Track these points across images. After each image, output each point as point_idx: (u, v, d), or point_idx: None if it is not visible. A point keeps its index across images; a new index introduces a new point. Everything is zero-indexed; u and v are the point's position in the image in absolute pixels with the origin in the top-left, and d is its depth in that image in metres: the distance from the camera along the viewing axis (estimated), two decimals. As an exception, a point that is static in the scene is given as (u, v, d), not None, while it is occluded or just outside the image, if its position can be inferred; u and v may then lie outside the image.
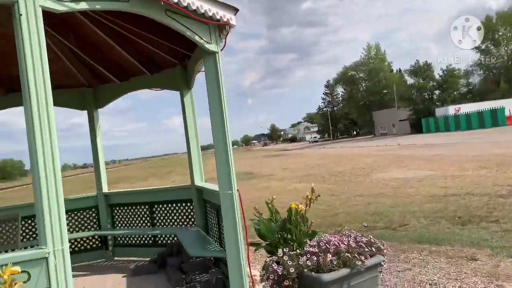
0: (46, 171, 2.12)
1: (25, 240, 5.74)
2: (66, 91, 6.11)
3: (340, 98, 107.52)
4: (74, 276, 5.34)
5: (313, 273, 3.64)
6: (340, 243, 3.91)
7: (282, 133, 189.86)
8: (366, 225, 7.02)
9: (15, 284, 1.61)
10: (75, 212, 6.12)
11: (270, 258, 3.95)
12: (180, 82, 5.36)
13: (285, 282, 3.62)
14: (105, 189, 6.25)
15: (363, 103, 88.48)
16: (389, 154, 25.27)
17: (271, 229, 4.00)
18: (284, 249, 3.85)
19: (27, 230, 5.76)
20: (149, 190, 6.25)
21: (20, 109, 2.38)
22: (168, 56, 5.21)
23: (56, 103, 6.11)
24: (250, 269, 3.84)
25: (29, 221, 5.76)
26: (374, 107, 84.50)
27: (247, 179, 20.88)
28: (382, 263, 3.95)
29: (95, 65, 5.78)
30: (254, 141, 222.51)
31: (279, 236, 4.06)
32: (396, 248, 5.68)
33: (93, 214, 6.20)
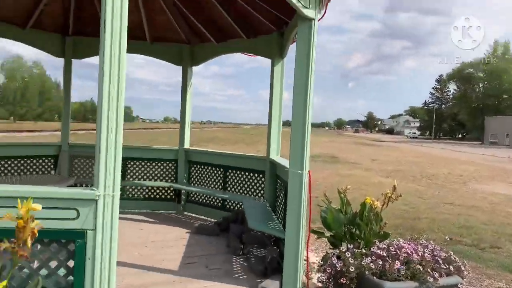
0: (108, 118, 2.08)
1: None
2: (165, 44, 6.27)
3: (451, 96, 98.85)
4: (143, 221, 5.70)
5: (375, 278, 3.29)
6: (413, 252, 3.48)
7: (379, 122, 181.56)
8: (450, 238, 6.30)
9: (33, 220, 1.58)
10: (156, 162, 6.38)
11: (333, 250, 3.66)
12: (274, 50, 5.14)
13: (342, 279, 3.33)
14: (186, 145, 6.40)
15: (476, 105, 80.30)
16: (495, 166, 22.64)
17: (339, 221, 3.69)
18: (349, 245, 3.53)
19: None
20: (226, 154, 6.25)
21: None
22: (266, 20, 5.01)
23: (154, 54, 6.38)
24: (307, 255, 3.60)
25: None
26: (488, 111, 76.22)
27: (331, 163, 20.33)
28: (459, 286, 3.44)
29: (196, 22, 5.80)
30: (347, 126, 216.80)
31: (346, 229, 3.74)
32: (481, 271, 4.99)
33: (172, 167, 6.41)
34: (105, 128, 2.07)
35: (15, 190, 2.05)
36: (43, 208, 2.02)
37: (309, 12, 3.28)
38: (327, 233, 3.86)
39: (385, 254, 3.44)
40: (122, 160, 5.99)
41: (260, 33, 5.36)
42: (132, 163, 6.35)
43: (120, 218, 5.56)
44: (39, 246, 2.05)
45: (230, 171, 5.88)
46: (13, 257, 1.54)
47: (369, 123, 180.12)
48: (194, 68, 6.47)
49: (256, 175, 5.53)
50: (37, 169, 5.92)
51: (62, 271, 2.09)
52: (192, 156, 6.37)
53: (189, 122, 6.46)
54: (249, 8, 4.93)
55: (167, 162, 6.42)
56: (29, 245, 1.58)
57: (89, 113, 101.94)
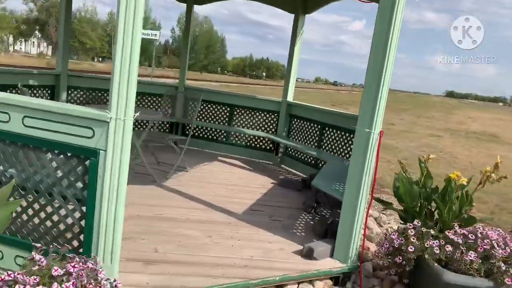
0: (123, 43, 2.09)
1: (225, 124, 6.50)
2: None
3: None
4: (238, 166, 5.89)
5: (436, 264, 2.77)
6: (498, 245, 2.80)
7: None
8: None
9: None
10: (260, 112, 6.42)
11: (403, 226, 3.18)
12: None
13: (397, 258, 2.90)
14: (290, 98, 6.25)
15: None
16: None
17: (412, 193, 3.17)
18: (418, 223, 3.01)
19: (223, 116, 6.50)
20: (324, 110, 5.90)
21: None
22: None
23: (266, 1, 6.23)
24: (366, 224, 3.21)
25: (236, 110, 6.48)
26: None
27: (487, 141, 17.66)
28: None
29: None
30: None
31: (420, 205, 3.18)
32: None
33: (274, 119, 6.38)
34: (120, 54, 2.09)
35: (38, 103, 2.27)
36: (63, 123, 2.21)
37: None
38: (398, 206, 3.36)
39: (460, 241, 2.84)
40: (229, 107, 6.25)
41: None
42: (238, 110, 6.54)
43: (218, 160, 5.83)
44: (62, 157, 2.25)
45: (326, 128, 5.56)
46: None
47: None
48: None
49: (350, 135, 5.10)
50: (156, 106, 6.59)
51: (79, 185, 2.27)
52: (294, 109, 6.21)
53: (295, 74, 6.25)
54: None
55: (270, 114, 6.40)
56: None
57: (247, 68, 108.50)
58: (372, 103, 3.02)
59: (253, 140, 6.51)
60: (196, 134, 6.69)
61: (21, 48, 70.92)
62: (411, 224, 3.03)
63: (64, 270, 1.70)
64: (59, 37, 5.84)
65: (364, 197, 3.13)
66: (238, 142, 6.58)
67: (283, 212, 4.23)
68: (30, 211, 2.37)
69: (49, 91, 5.67)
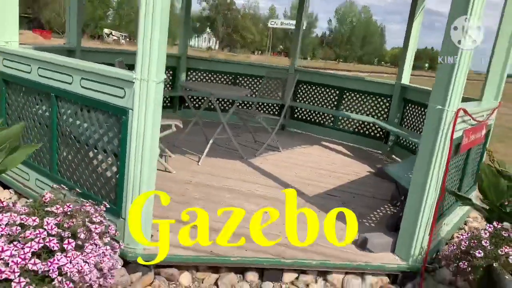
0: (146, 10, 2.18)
1: (333, 108, 6.28)
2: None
3: None
4: (339, 152, 5.57)
5: (508, 277, 2.19)
6: None
7: None
8: None
9: None
10: (370, 96, 5.95)
11: (487, 227, 2.59)
12: None
13: (462, 264, 2.39)
14: (405, 80, 5.62)
15: None
16: None
17: (498, 189, 2.54)
18: (499, 225, 2.41)
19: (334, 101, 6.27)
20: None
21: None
22: None
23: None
24: (434, 219, 2.70)
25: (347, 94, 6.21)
26: None
27: None
28: None
29: None
30: None
31: (508, 203, 2.52)
32: None
33: (386, 104, 5.84)
34: (143, 18, 2.19)
35: (76, 63, 2.54)
36: (101, 83, 2.44)
37: None
38: (480, 203, 2.72)
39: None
40: (338, 89, 5.98)
41: None
42: (347, 93, 6.19)
43: (321, 144, 5.68)
44: (105, 115, 2.50)
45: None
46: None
47: None
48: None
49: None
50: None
51: (116, 141, 2.49)
52: (409, 93, 5.56)
53: (413, 53, 5.58)
54: None
55: (382, 98, 5.88)
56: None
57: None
58: (445, 80, 2.52)
59: (361, 126, 6.09)
60: (303, 117, 6.59)
61: (194, 44, 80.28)
62: (491, 225, 2.44)
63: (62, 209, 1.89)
64: (180, 27, 6.47)
65: (432, 187, 2.64)
66: (346, 127, 6.24)
67: (363, 200, 3.87)
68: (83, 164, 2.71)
69: (171, 72, 6.32)
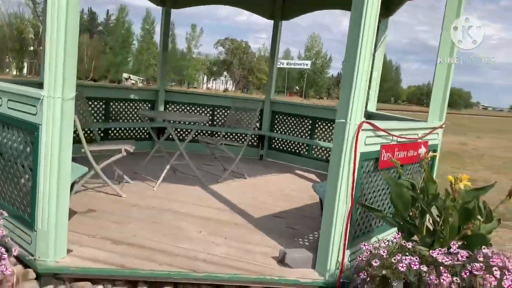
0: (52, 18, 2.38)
1: (306, 137, 6.36)
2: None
3: None
4: (308, 179, 5.56)
5: (395, 282, 2.17)
6: (504, 266, 2.02)
7: None
8: None
9: None
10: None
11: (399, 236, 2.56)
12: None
13: (361, 274, 2.37)
14: (371, 108, 5.67)
15: None
16: None
17: (403, 199, 2.52)
18: (398, 234, 2.39)
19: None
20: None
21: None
22: None
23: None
24: (347, 232, 2.68)
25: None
26: None
27: None
28: None
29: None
30: None
31: (413, 215, 2.50)
32: None
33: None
34: (49, 37, 2.39)
35: (6, 86, 2.74)
36: (21, 103, 2.63)
37: None
38: (385, 214, 2.69)
39: (449, 260, 2.14)
40: (310, 119, 6.05)
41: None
42: (319, 123, 6.28)
43: (293, 172, 5.71)
44: (22, 133, 2.67)
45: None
46: None
47: None
48: None
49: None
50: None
51: (31, 157, 2.62)
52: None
53: (377, 85, 5.65)
54: None
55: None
56: None
57: (424, 96, 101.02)
58: (347, 95, 2.62)
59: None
60: (280, 147, 6.66)
61: (212, 86, 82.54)
62: (396, 236, 2.42)
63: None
64: (159, 63, 6.87)
65: (341, 199, 2.66)
66: (319, 156, 6.27)
67: (310, 222, 3.85)
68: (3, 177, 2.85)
69: (149, 105, 6.58)
